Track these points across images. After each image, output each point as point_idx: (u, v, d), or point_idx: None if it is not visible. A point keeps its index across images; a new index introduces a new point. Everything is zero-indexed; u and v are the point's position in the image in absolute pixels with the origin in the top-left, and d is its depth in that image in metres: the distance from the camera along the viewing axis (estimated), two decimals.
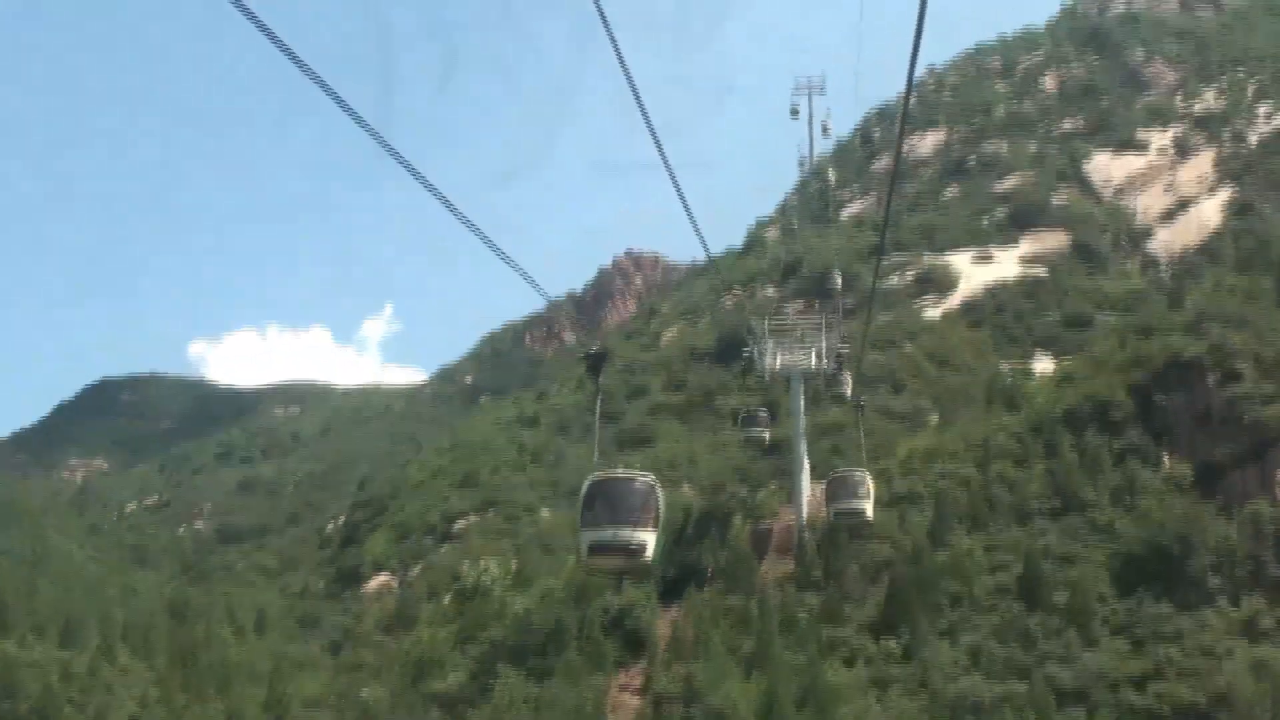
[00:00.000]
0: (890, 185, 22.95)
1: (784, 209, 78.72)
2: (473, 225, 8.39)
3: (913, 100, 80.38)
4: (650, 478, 10.50)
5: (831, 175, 75.25)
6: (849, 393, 33.03)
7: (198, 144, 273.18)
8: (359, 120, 7.34)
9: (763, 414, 35.79)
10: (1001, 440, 33.98)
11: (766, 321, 33.75)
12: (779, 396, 40.00)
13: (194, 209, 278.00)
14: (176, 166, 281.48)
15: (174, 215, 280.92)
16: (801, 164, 75.81)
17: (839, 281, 52.77)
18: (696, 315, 69.20)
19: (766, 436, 36.28)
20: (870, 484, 24.73)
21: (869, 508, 24.35)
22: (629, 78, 7.90)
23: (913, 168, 73.68)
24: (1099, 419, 32.40)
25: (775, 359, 32.97)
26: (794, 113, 59.42)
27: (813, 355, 32.10)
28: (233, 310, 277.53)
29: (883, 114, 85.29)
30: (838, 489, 24.62)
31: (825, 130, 61.68)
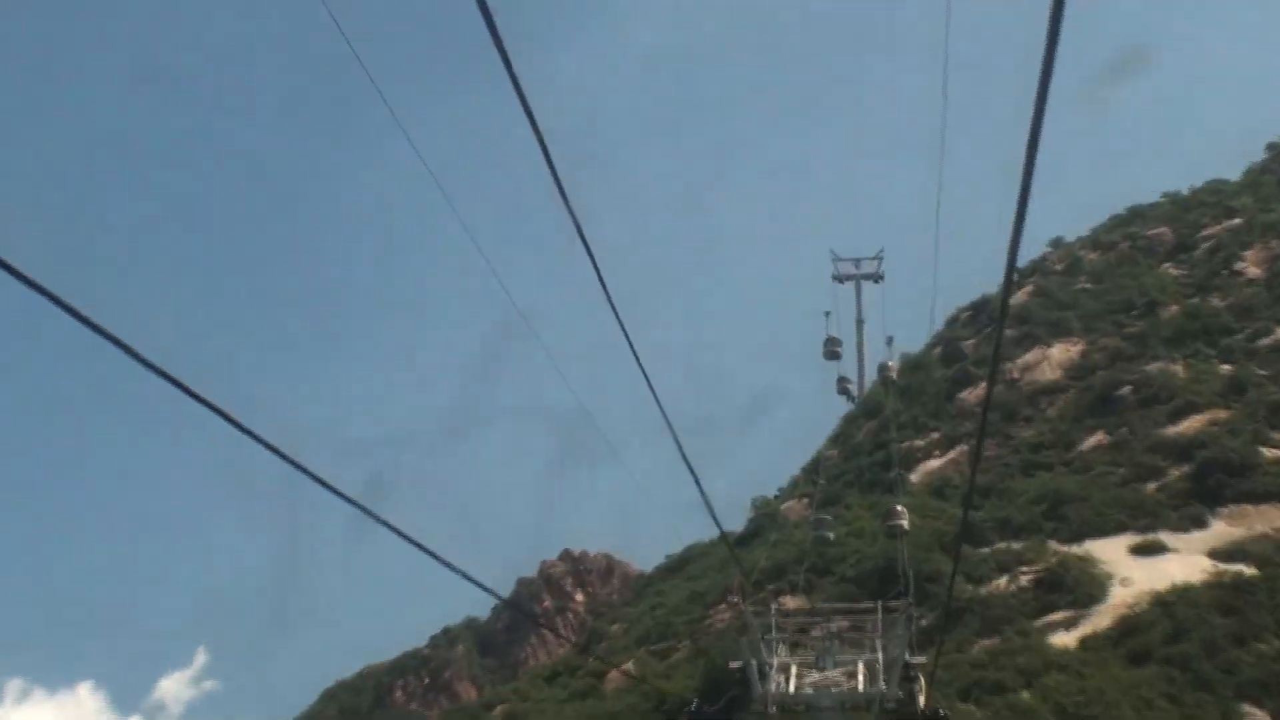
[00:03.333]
0: (980, 427, 21.48)
1: (815, 469, 77.37)
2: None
3: (1021, 293, 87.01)
4: None
5: (890, 402, 73.79)
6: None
7: None
8: None
9: None
10: None
11: (773, 617, 29.96)
12: None
13: None
14: None
15: None
16: (847, 393, 72.74)
17: (908, 580, 49.87)
18: (667, 641, 67.82)
19: None
20: None
21: None
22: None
23: (1027, 399, 74.23)
24: None
25: (789, 680, 29.51)
26: (831, 342, 59.71)
27: (859, 673, 29.23)
28: None
29: (978, 313, 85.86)
30: None
31: (889, 354, 61.06)
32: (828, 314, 68.78)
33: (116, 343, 6.28)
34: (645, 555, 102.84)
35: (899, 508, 45.40)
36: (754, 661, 28.33)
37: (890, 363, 67.90)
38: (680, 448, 13.20)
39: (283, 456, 7.88)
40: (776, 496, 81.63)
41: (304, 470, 8.13)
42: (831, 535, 60.43)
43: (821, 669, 29.60)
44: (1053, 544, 60.18)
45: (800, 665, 29.26)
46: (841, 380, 67.35)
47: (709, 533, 76.10)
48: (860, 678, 28.38)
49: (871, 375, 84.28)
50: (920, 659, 28.65)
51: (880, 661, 28.85)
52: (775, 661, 28.88)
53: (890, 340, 66.05)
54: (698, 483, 15.17)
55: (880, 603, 29.68)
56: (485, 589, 11.53)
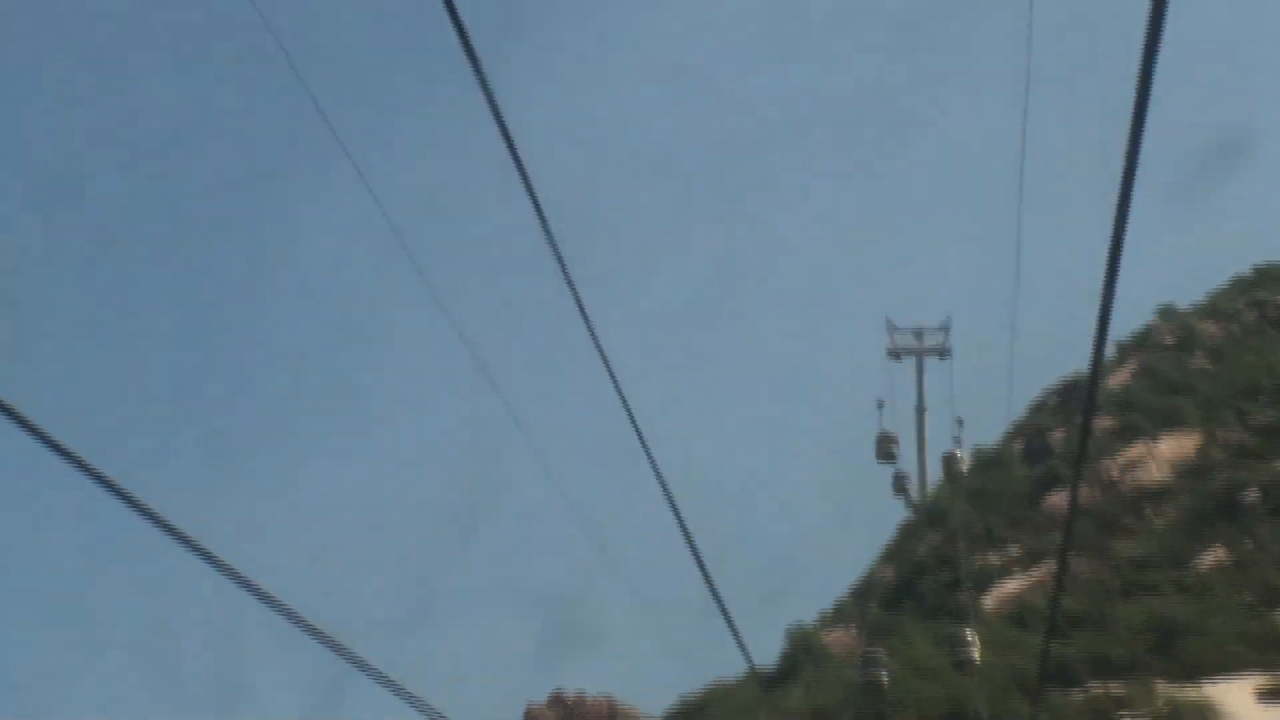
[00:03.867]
0: (1065, 537, 32.38)
1: (865, 591, 76.42)
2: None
3: (1122, 372, 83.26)
4: None
5: (959, 506, 74.39)
6: None
7: None
8: None
9: None
10: None
11: None
12: None
13: None
14: None
15: None
16: (905, 493, 77.72)
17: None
18: None
19: None
20: None
21: None
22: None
23: (1129, 505, 71.96)
24: None
25: None
26: (885, 441, 69.22)
27: None
28: None
29: (1068, 398, 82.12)
30: None
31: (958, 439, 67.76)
32: (881, 404, 71.71)
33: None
34: (655, 700, 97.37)
35: (968, 633, 46.82)
36: None
37: (959, 451, 67.27)
38: (700, 564, 14.83)
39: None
40: (817, 625, 76.77)
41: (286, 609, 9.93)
42: (885, 675, 59.20)
43: None
44: (1162, 685, 57.04)
45: None
46: (898, 478, 66.80)
47: (733, 669, 73.05)
48: None
49: (935, 474, 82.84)
50: None
51: None
52: None
53: (960, 423, 66.73)
54: (722, 607, 16.80)
55: None
56: None
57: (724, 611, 18.39)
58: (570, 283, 9.25)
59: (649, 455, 11.98)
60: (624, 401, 10.75)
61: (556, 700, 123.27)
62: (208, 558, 8.50)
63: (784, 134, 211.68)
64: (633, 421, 11.00)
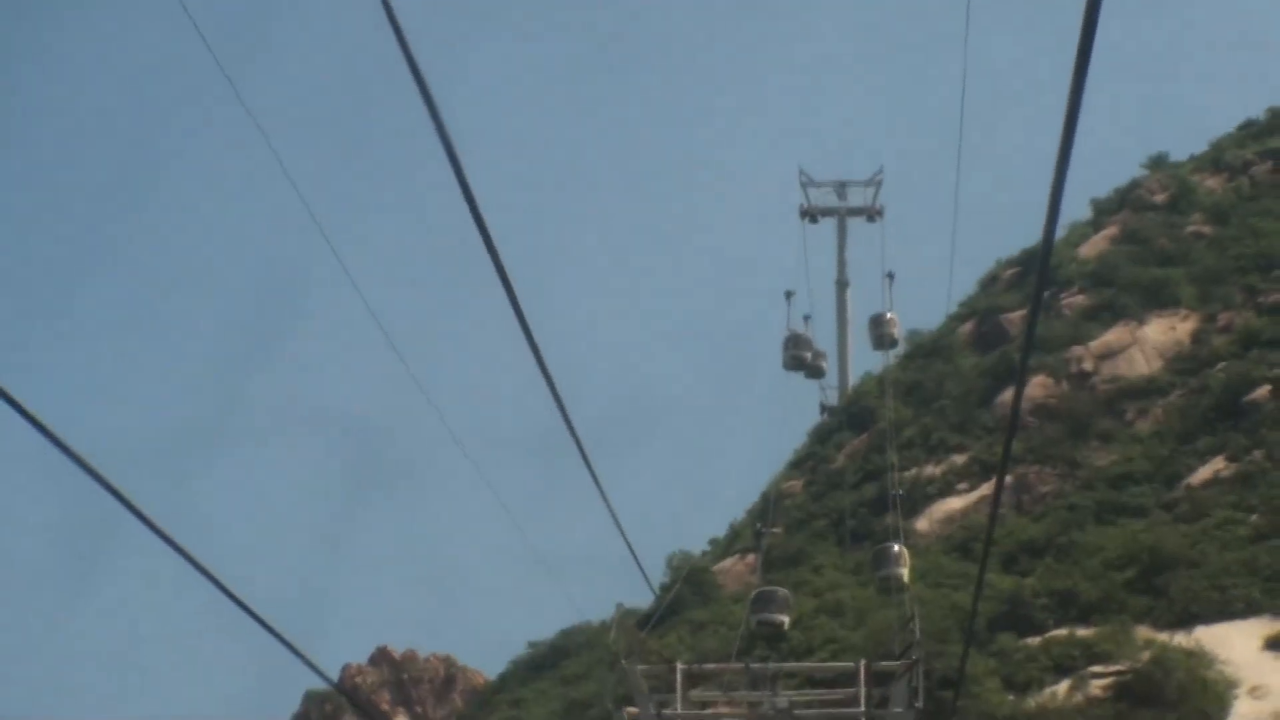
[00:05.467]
0: (1009, 436, 40.16)
1: (765, 511, 75.84)
2: None
3: (1099, 237, 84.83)
4: None
5: (888, 403, 74.32)
6: None
7: None
8: None
9: None
10: None
11: (678, 675, 32.70)
12: None
13: None
14: None
15: None
16: (807, 368, 78.89)
17: (915, 637, 52.81)
18: None
19: None
20: None
21: None
22: None
23: (1106, 404, 72.66)
24: None
25: None
26: (796, 343, 74.34)
27: None
28: None
29: (1030, 271, 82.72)
30: None
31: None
32: (790, 295, 72.79)
33: None
34: (501, 660, 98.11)
35: (895, 548, 48.34)
36: None
37: (890, 314, 68.38)
38: (592, 469, 17.67)
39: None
40: (706, 553, 77.77)
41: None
42: (786, 619, 56.54)
43: None
44: (1144, 631, 57.70)
45: None
46: (795, 342, 67.44)
47: (594, 612, 74.43)
48: None
49: (857, 364, 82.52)
50: None
51: None
52: None
53: (890, 279, 68.52)
54: (614, 515, 21.09)
55: (863, 662, 31.46)
56: None
57: (607, 504, 20.04)
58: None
59: (514, 301, 12.70)
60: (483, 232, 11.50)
61: (381, 657, 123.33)
62: None
63: None
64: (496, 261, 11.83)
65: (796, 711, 32.09)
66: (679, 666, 33.93)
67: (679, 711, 32.07)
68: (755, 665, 38.00)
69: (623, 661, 32.20)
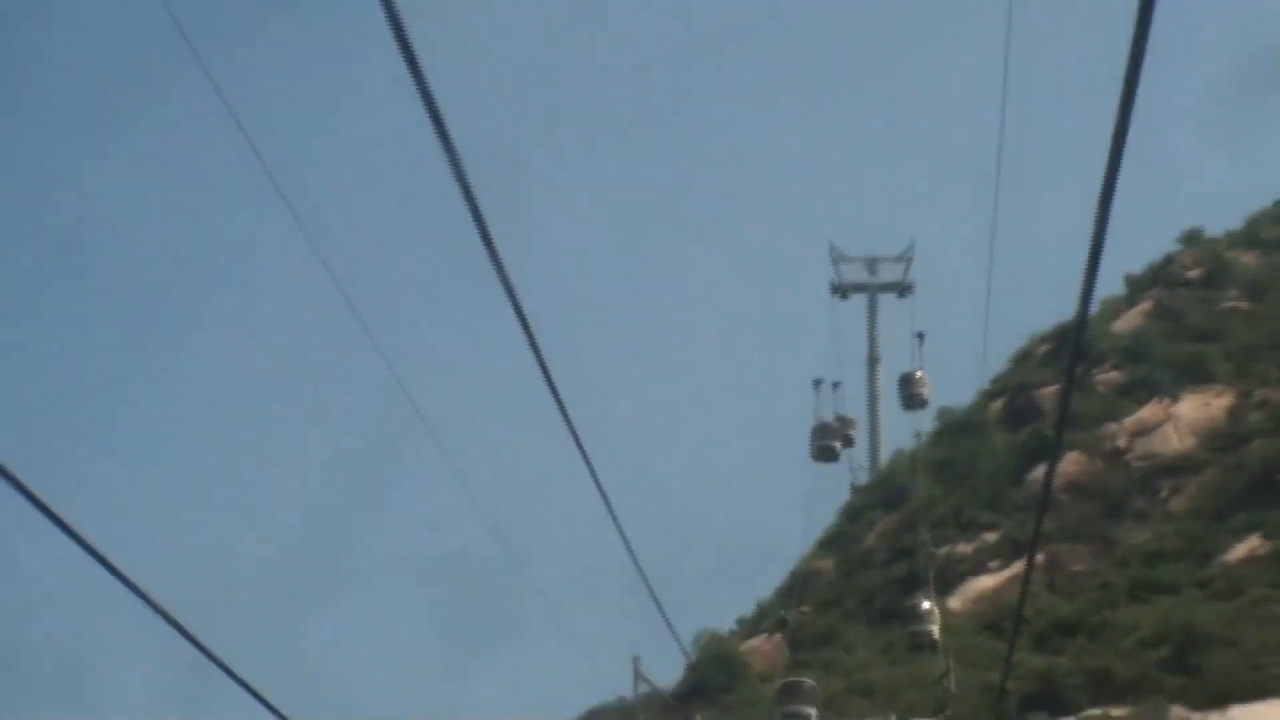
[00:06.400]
0: (1039, 515, 38.24)
1: (792, 591, 76.76)
2: None
3: (1134, 312, 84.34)
4: None
5: (920, 479, 75.31)
6: None
7: None
8: None
9: None
10: None
11: None
12: None
13: None
14: None
15: None
16: (833, 454, 77.66)
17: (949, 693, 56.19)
18: None
19: None
20: None
21: None
22: None
23: (1140, 483, 72.01)
24: None
25: None
26: (824, 433, 73.31)
27: None
28: None
29: (1064, 344, 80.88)
30: None
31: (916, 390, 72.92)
32: (818, 383, 76.16)
33: None
34: None
35: (925, 604, 51.28)
36: None
37: (920, 373, 69.41)
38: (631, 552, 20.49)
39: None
40: (734, 632, 76.36)
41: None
42: (813, 712, 58.08)
43: None
44: (1178, 710, 56.41)
45: None
46: (824, 432, 67.19)
47: (612, 686, 71.20)
48: None
49: (889, 444, 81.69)
50: None
51: None
52: None
53: (921, 339, 68.84)
54: (648, 586, 23.60)
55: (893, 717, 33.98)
56: None
57: (650, 592, 22.99)
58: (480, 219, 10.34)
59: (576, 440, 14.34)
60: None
61: None
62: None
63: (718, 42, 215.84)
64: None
65: None
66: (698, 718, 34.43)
67: None
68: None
69: None
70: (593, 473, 16.70)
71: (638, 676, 57.59)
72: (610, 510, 17.97)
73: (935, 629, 46.39)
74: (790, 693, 56.23)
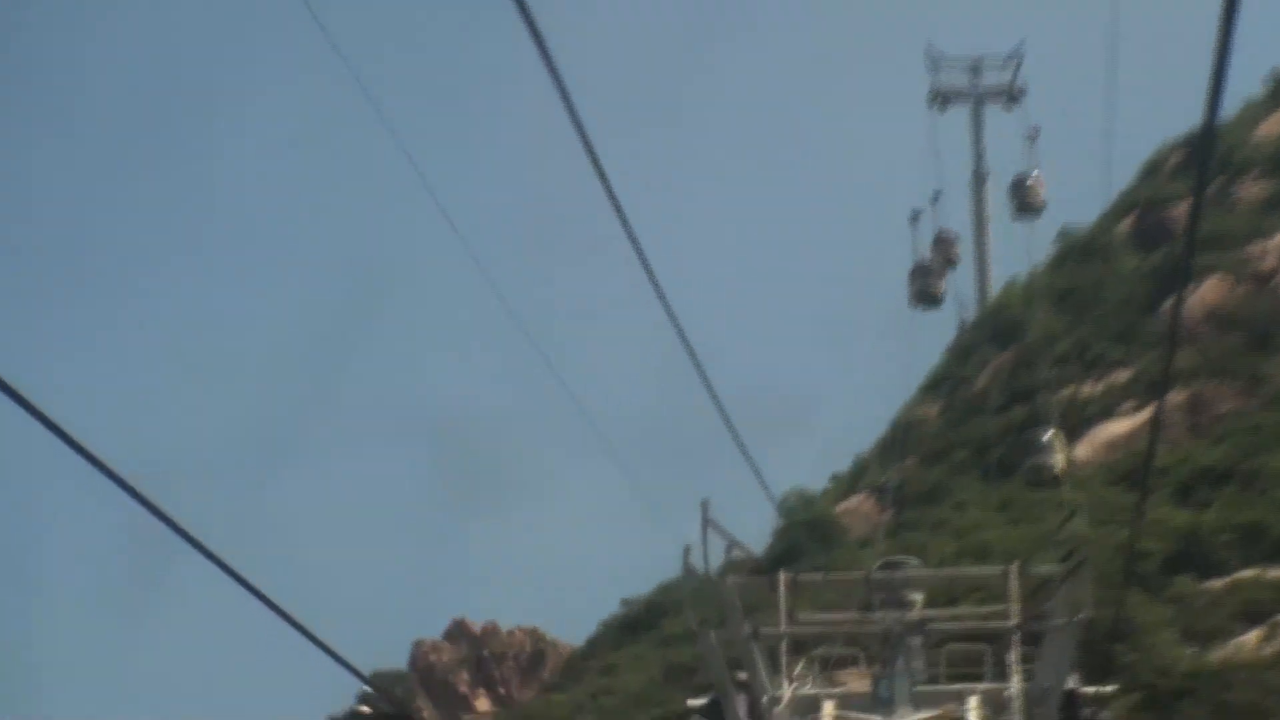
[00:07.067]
0: (1169, 349, 42.02)
1: (894, 442, 75.81)
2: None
3: (1272, 119, 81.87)
4: None
5: (1035, 308, 74.29)
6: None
7: None
8: None
9: None
10: None
11: (781, 601, 30.39)
12: None
13: None
14: None
15: None
16: (931, 299, 78.38)
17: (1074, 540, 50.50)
18: None
19: None
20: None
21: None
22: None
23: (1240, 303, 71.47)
24: None
25: None
26: (922, 273, 74.01)
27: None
28: None
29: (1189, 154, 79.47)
30: None
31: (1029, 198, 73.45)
32: (916, 216, 74.26)
33: None
34: (591, 624, 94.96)
35: (1046, 434, 51.51)
36: (740, 691, 28.05)
37: (1036, 174, 71.09)
38: (717, 402, 20.24)
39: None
40: (827, 491, 76.13)
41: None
42: (919, 598, 58.26)
43: (887, 709, 29.41)
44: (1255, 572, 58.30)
45: (839, 704, 29.57)
46: (922, 273, 67.11)
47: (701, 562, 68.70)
48: None
49: (999, 275, 79.77)
50: (1102, 689, 29.87)
51: (1015, 693, 28.88)
52: (786, 693, 28.91)
53: (1035, 135, 74.39)
54: (734, 434, 21.87)
55: (1016, 565, 31.20)
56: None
57: (736, 440, 22.36)
58: None
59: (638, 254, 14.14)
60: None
61: (458, 632, 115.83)
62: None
63: None
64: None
65: (931, 626, 29.54)
66: (782, 576, 30.87)
67: (781, 629, 29.29)
68: (878, 574, 36.31)
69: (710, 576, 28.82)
70: (670, 314, 16.39)
71: (706, 524, 51.22)
72: (689, 348, 17.71)
73: (1060, 460, 40.70)
74: (886, 569, 56.29)
